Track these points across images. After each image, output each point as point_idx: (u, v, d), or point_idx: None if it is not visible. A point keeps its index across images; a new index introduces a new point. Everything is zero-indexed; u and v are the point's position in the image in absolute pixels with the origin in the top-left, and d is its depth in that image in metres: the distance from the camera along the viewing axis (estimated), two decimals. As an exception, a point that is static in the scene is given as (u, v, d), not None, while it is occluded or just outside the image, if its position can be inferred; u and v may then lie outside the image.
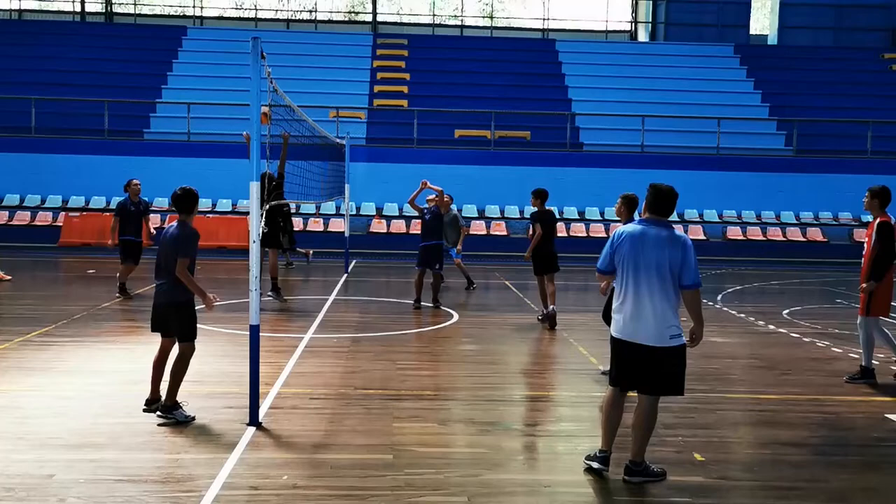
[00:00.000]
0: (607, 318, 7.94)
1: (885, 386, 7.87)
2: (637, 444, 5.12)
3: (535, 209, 10.98)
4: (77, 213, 21.61)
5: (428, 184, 12.62)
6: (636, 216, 5.66)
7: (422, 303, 12.15)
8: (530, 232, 11.06)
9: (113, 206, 22.49)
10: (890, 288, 7.93)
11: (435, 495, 4.82)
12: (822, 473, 5.44)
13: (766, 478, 5.33)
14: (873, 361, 8.04)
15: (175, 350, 6.35)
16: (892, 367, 8.32)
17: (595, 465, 5.20)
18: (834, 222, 23.93)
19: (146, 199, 13.70)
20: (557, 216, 22.85)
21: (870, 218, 8.13)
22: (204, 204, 22.81)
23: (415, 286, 12.27)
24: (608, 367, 5.40)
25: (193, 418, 6.12)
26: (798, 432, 6.30)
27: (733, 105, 26.66)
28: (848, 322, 11.87)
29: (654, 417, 5.15)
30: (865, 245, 8.00)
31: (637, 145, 24.34)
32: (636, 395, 5.19)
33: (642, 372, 5.02)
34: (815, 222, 23.70)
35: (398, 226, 22.10)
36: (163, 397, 6.23)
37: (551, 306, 10.69)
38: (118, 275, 12.74)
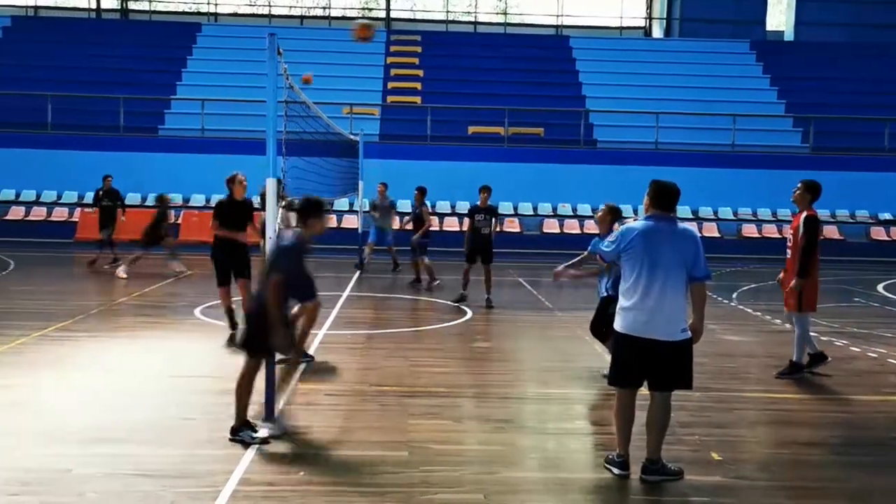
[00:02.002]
0: (596, 332, 7.92)
1: (903, 385, 7.79)
2: (654, 443, 5.10)
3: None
4: (91, 209, 21.70)
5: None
6: (630, 215, 5.60)
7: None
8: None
9: (129, 201, 22.67)
10: (817, 282, 7.88)
11: (451, 493, 4.81)
12: (841, 473, 5.39)
13: (785, 478, 5.29)
14: (805, 356, 8.02)
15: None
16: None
17: (616, 470, 5.13)
18: (851, 220, 23.74)
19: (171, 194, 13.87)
20: (572, 213, 23.10)
21: (793, 210, 8.25)
22: (218, 199, 22.87)
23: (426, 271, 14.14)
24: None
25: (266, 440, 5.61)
26: (816, 431, 6.25)
27: (749, 102, 26.45)
28: (866, 321, 11.78)
29: (669, 414, 5.13)
30: (790, 239, 7.95)
31: (651, 142, 24.21)
32: (645, 393, 5.15)
33: (656, 368, 4.99)
34: (831, 220, 23.50)
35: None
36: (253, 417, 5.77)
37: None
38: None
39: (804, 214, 7.75)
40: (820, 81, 28.16)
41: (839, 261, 20.82)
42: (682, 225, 5.13)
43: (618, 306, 5.11)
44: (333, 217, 22.25)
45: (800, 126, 25.57)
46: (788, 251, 7.94)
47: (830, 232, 23.15)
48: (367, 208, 16.54)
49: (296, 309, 6.23)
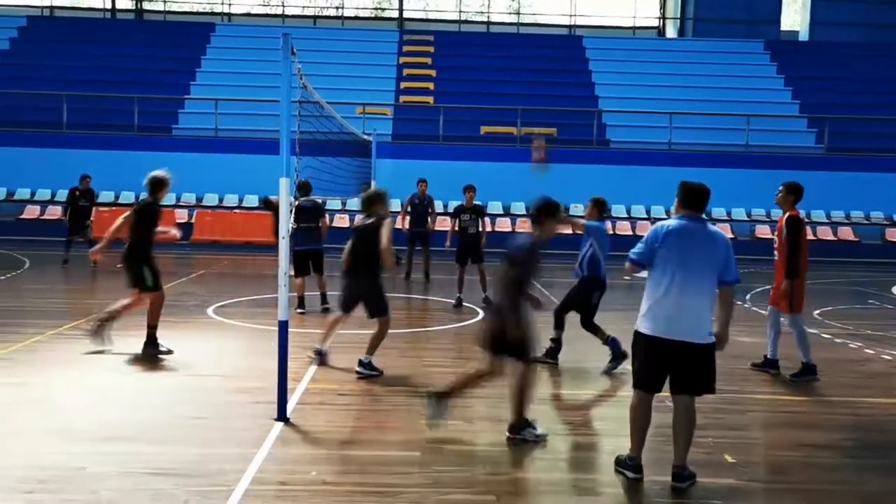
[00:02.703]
0: (588, 326, 8.20)
1: (919, 388, 7.73)
2: (682, 450, 4.99)
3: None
4: (107, 209, 21.84)
5: None
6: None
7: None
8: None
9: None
10: (803, 283, 7.96)
11: (463, 493, 4.81)
12: (855, 477, 5.36)
13: (798, 480, 5.26)
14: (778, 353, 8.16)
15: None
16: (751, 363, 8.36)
17: (629, 474, 5.07)
18: (865, 221, 23.58)
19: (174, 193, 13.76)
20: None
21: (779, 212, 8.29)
22: (230, 200, 22.98)
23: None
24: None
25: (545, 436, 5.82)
26: (830, 434, 6.21)
27: (763, 102, 26.32)
28: (880, 322, 11.70)
29: (695, 419, 5.07)
30: (776, 240, 8.03)
31: (664, 143, 24.13)
32: (660, 396, 5.13)
33: (683, 371, 4.91)
34: (846, 221, 23.36)
35: (423, 222, 22.10)
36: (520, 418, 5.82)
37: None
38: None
39: (787, 215, 7.84)
40: (834, 82, 27.98)
41: (854, 262, 20.69)
42: (712, 227, 5.09)
43: (644, 308, 5.00)
44: (345, 217, 22.32)
45: (814, 126, 25.42)
46: (776, 252, 8.05)
47: (845, 233, 23.00)
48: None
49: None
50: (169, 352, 8.17)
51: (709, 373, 4.98)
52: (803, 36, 33.24)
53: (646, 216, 23.11)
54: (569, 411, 6.93)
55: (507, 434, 5.81)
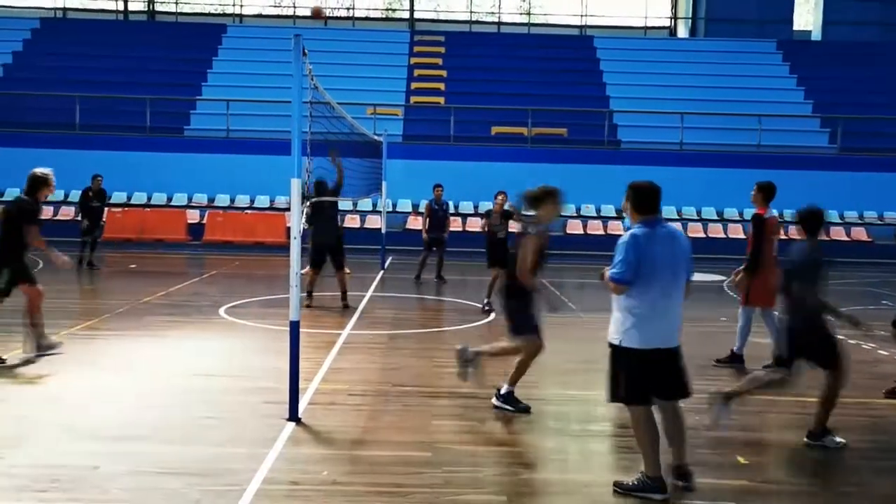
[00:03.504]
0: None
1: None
2: (682, 450, 4.96)
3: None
4: (119, 209, 21.98)
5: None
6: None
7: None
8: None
9: (155, 201, 22.93)
10: (767, 279, 8.10)
11: (474, 494, 4.81)
12: (868, 478, 5.33)
13: (810, 482, 5.23)
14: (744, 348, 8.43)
15: None
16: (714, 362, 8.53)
17: (658, 496, 4.77)
18: (879, 222, 23.42)
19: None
20: (595, 213, 22.99)
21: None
22: (241, 200, 23.06)
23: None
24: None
25: (844, 444, 5.84)
26: (844, 436, 6.15)
27: (775, 102, 26.18)
28: (894, 324, 11.60)
29: (684, 419, 5.05)
30: (748, 239, 8.39)
31: (676, 143, 24.04)
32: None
33: (671, 377, 4.86)
34: (859, 222, 23.21)
35: (434, 223, 22.12)
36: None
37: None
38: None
39: (753, 213, 8.27)
40: (847, 81, 27.80)
41: (867, 263, 20.54)
42: (671, 226, 5.03)
43: (628, 322, 4.77)
44: (357, 217, 22.35)
45: (827, 126, 25.27)
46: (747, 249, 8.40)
47: (858, 234, 22.86)
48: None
49: None
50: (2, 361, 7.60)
51: (685, 373, 4.97)
52: (816, 35, 33.05)
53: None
54: (579, 412, 6.91)
55: (806, 440, 5.88)
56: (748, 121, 24.48)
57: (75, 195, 22.73)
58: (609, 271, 4.82)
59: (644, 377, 4.81)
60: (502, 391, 6.59)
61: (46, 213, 22.20)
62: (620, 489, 4.87)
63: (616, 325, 4.86)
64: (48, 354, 7.90)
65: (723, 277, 8.72)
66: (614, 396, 4.94)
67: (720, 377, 7.90)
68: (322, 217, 11.27)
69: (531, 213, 6.59)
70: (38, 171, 8.06)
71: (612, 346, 4.90)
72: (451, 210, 22.67)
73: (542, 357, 9.22)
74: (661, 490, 4.78)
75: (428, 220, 14.76)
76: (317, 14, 7.75)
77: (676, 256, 4.84)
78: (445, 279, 14.80)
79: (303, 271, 8.28)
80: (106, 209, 16.27)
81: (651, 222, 4.86)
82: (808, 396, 7.35)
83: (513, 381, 6.60)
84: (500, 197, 12.54)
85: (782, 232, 8.61)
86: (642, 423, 4.86)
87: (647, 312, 4.74)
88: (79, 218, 15.67)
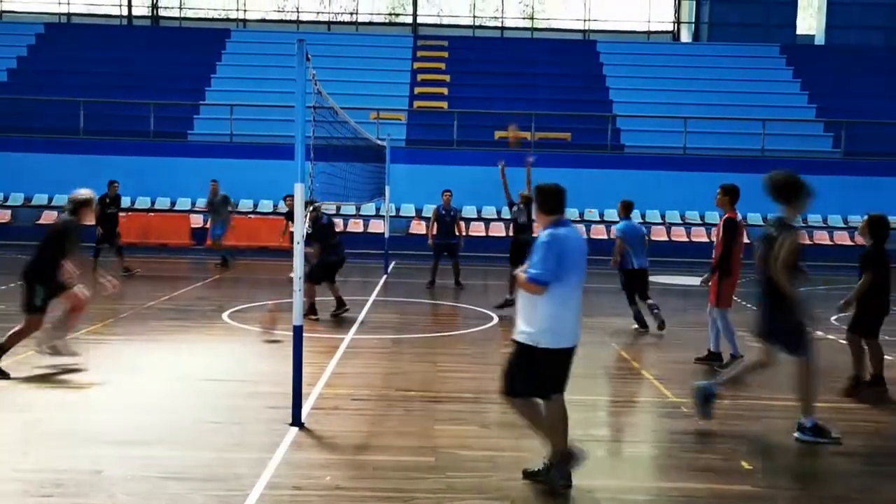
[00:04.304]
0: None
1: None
2: (566, 437, 5.07)
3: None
4: (123, 213, 21.97)
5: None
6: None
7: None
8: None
9: (159, 205, 22.96)
10: (735, 281, 8.36)
11: (477, 499, 4.81)
12: (872, 483, 5.31)
13: (815, 487, 5.22)
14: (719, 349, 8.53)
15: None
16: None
17: (564, 482, 4.94)
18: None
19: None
20: (598, 218, 22.98)
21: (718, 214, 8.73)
22: (245, 205, 23.08)
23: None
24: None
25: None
26: (847, 441, 6.15)
27: (779, 106, 26.17)
28: (898, 328, 11.57)
29: None
30: (716, 241, 8.43)
31: (679, 147, 24.03)
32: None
33: (567, 372, 5.03)
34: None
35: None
36: None
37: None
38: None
39: (725, 217, 8.31)
40: (851, 86, 27.77)
41: (871, 267, 20.48)
42: (574, 226, 5.13)
43: (544, 323, 4.79)
44: (360, 222, 22.37)
45: (831, 131, 25.24)
46: (714, 252, 8.45)
47: (862, 238, 22.79)
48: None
49: None
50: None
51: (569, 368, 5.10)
52: (819, 40, 33.03)
53: (660, 221, 23.02)
54: (583, 416, 6.90)
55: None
56: (752, 125, 24.46)
57: (79, 200, 22.82)
58: (528, 272, 4.80)
59: (551, 374, 4.93)
60: (807, 424, 6.06)
61: (49, 217, 22.25)
62: (527, 476, 5.06)
63: (530, 325, 4.85)
64: (62, 359, 7.88)
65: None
66: (512, 391, 5.00)
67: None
68: (332, 240, 11.20)
69: (787, 209, 6.20)
70: (82, 192, 8.09)
71: (522, 345, 4.89)
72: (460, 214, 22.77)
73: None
74: (579, 457, 4.99)
75: (435, 224, 14.71)
76: (515, 140, 8.16)
77: (582, 256, 4.98)
78: (463, 285, 14.67)
79: (290, 275, 8.23)
80: (119, 215, 16.06)
81: (560, 222, 4.95)
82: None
83: (811, 410, 6.12)
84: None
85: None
86: (559, 413, 4.99)
87: (562, 312, 4.83)
88: (98, 226, 15.36)
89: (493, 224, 22.61)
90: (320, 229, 10.85)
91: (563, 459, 4.94)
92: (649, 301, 10.85)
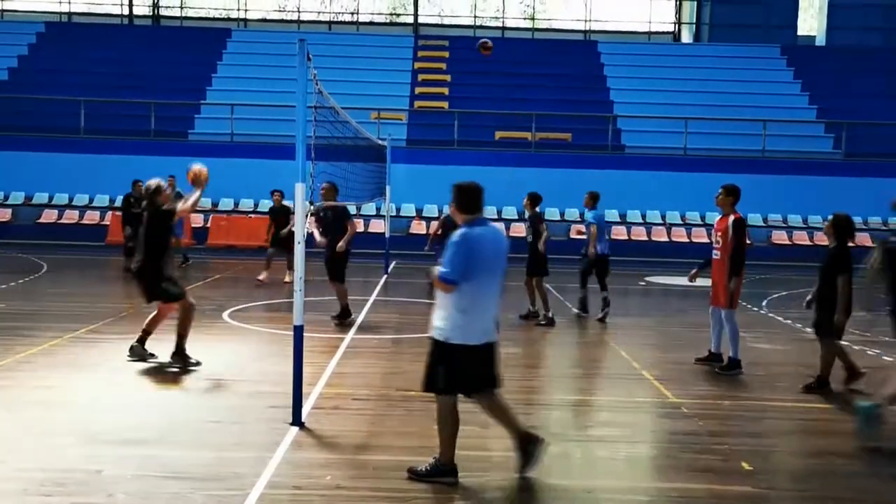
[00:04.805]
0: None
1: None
2: (517, 424, 5.16)
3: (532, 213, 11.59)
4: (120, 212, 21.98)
5: None
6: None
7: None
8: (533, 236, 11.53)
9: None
10: (742, 280, 8.34)
11: (477, 499, 4.80)
12: (874, 485, 5.31)
13: (816, 488, 5.21)
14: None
15: None
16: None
17: (450, 479, 4.99)
18: (884, 227, 23.36)
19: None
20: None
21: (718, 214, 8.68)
22: (245, 204, 23.09)
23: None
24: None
25: None
26: (848, 442, 6.15)
27: (780, 107, 26.19)
28: (899, 330, 11.57)
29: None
30: (720, 241, 8.31)
31: (680, 148, 24.04)
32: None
33: (492, 369, 5.07)
34: (864, 227, 23.14)
35: (436, 227, 22.08)
36: None
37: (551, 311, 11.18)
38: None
39: (732, 218, 8.26)
40: (852, 87, 27.79)
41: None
42: (493, 224, 5.15)
43: (455, 321, 4.88)
44: (361, 221, 22.37)
45: (831, 132, 25.25)
46: (717, 252, 8.34)
47: (863, 239, 22.74)
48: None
49: None
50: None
51: (498, 364, 5.16)
52: (820, 41, 33.04)
53: (661, 221, 23.02)
54: (584, 417, 6.90)
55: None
56: (752, 126, 24.47)
57: (80, 199, 22.84)
58: (439, 270, 4.89)
59: (466, 371, 4.98)
60: None
61: (50, 216, 22.25)
62: (414, 475, 5.04)
63: (442, 321, 4.96)
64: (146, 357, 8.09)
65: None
66: (432, 388, 5.05)
67: (736, 385, 7.87)
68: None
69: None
70: (151, 182, 8.35)
71: (436, 341, 5.00)
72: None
73: (544, 361, 9.26)
74: (453, 475, 5.01)
75: (441, 231, 13.88)
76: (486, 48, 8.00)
77: (498, 255, 5.01)
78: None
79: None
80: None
81: (476, 222, 4.99)
82: (813, 402, 7.35)
83: None
84: (526, 200, 11.59)
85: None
86: (449, 414, 5.05)
87: (472, 309, 4.90)
88: (106, 223, 15.32)
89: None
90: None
91: (438, 469, 5.03)
92: (605, 294, 11.37)
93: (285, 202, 14.12)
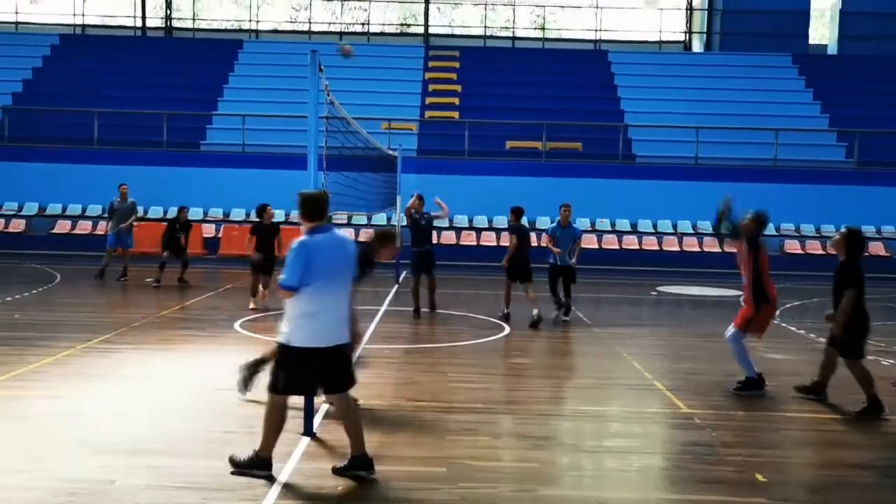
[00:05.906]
0: None
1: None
2: (361, 439, 5.27)
3: (512, 223, 12.38)
4: (136, 223, 22.08)
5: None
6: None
7: (421, 311, 12.35)
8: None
9: (171, 215, 23.05)
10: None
11: (489, 510, 4.79)
12: (890, 496, 5.26)
13: (831, 500, 5.16)
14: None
15: None
16: None
17: (261, 472, 5.17)
18: (897, 237, 23.21)
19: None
20: (610, 228, 22.94)
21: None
22: (257, 214, 23.15)
23: (413, 295, 12.36)
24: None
25: None
26: (864, 453, 6.10)
27: (792, 116, 26.08)
28: (913, 340, 11.48)
29: (355, 408, 5.51)
30: (743, 263, 8.21)
31: (691, 157, 23.98)
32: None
33: (336, 372, 5.18)
34: (877, 236, 23.01)
35: (448, 237, 22.09)
36: None
37: (535, 310, 11.48)
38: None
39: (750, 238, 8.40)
40: (864, 95, 27.66)
41: (886, 278, 20.35)
42: (339, 231, 5.30)
43: (294, 323, 5.06)
44: (372, 231, 22.39)
45: (844, 141, 25.13)
46: (744, 277, 8.17)
47: (876, 248, 22.65)
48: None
49: None
50: None
51: (351, 368, 5.36)
52: (832, 49, 32.93)
53: (672, 231, 22.94)
54: (595, 427, 6.87)
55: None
56: (764, 135, 24.39)
57: (93, 209, 22.97)
58: (279, 277, 5.11)
59: (304, 373, 5.12)
60: None
61: (63, 226, 22.39)
62: (233, 465, 5.23)
63: (286, 325, 5.14)
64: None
65: (739, 292, 8.64)
66: (273, 388, 5.21)
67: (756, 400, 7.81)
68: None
69: None
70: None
71: (280, 344, 5.19)
72: (466, 224, 22.77)
73: (555, 371, 9.23)
74: (268, 468, 5.17)
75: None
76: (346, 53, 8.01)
77: (341, 261, 5.18)
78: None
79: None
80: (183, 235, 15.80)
81: (319, 229, 5.16)
82: (828, 413, 7.29)
83: None
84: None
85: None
86: (278, 411, 5.22)
87: (316, 315, 5.04)
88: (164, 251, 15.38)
89: (503, 235, 22.55)
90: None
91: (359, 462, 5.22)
92: (568, 300, 12.28)
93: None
